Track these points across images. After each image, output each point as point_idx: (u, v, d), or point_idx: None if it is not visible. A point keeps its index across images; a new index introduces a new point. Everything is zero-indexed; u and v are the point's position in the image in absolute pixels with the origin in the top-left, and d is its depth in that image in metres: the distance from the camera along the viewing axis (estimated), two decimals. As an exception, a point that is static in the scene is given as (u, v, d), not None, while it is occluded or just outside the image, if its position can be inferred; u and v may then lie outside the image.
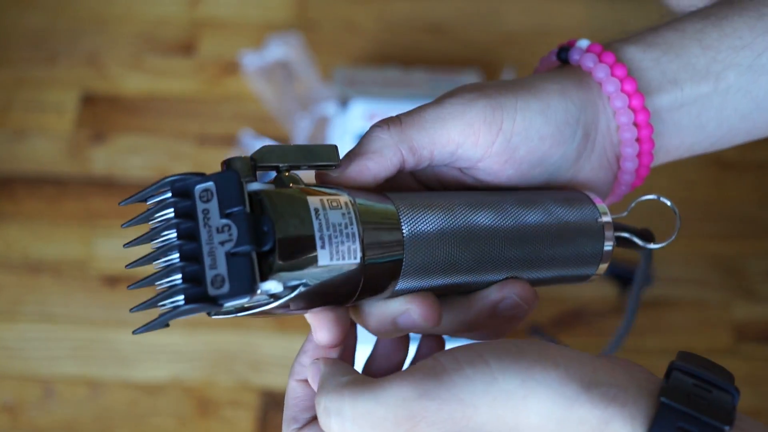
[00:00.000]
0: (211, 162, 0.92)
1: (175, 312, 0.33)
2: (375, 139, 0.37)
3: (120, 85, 0.98)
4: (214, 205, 0.32)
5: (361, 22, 1.03)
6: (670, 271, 0.87)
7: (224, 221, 0.32)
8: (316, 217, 0.33)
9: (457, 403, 0.31)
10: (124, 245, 0.35)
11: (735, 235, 0.89)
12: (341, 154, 0.37)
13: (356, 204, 0.35)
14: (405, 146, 0.37)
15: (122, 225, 0.36)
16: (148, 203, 0.35)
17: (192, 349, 0.83)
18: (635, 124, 0.40)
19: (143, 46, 1.01)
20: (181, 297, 0.33)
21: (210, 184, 0.33)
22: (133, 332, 0.35)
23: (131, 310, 0.35)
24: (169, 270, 0.34)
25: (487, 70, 0.97)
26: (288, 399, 0.38)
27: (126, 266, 0.36)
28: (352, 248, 0.34)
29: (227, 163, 0.34)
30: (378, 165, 0.37)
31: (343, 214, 0.34)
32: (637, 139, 0.41)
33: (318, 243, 0.33)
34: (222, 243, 0.32)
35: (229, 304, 0.32)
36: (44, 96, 0.97)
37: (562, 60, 0.41)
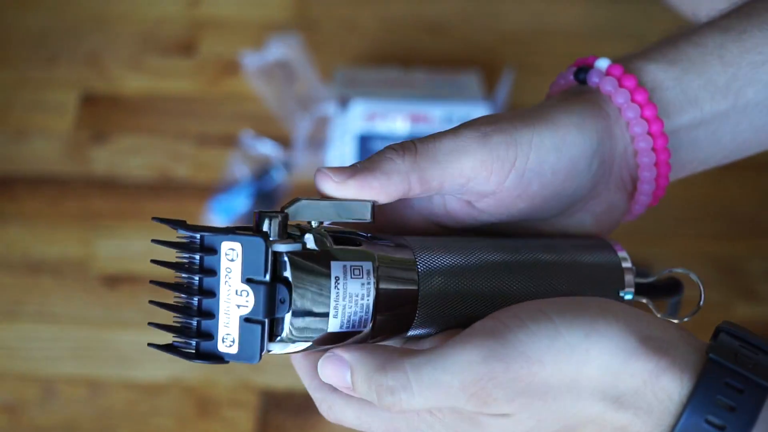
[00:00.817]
0: (212, 162, 0.93)
1: (185, 358, 0.35)
2: (386, 161, 0.36)
3: (120, 85, 0.98)
4: (237, 267, 0.34)
5: (361, 22, 1.03)
6: (670, 271, 0.87)
7: (244, 286, 0.33)
8: (335, 286, 0.34)
9: (524, 361, 0.31)
10: (152, 240, 0.36)
11: (735, 235, 0.89)
12: (348, 160, 0.37)
13: (378, 270, 0.35)
14: (415, 176, 0.36)
15: (152, 240, 0.36)
16: (179, 234, 0.36)
17: (192, 349, 0.83)
18: (654, 150, 0.40)
19: (143, 46, 1.01)
20: (193, 346, 0.35)
21: (237, 244, 0.34)
22: (148, 344, 0.37)
23: (149, 344, 0.36)
24: (186, 313, 0.36)
25: (487, 70, 0.97)
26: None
27: (151, 260, 0.36)
28: (364, 319, 0.35)
29: (259, 217, 0.34)
30: (382, 187, 0.36)
31: (362, 284, 0.35)
32: (656, 164, 0.40)
33: (332, 313, 0.34)
34: (238, 306, 0.33)
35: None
36: (45, 96, 0.97)
37: (580, 81, 0.41)
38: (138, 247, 0.88)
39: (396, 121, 0.82)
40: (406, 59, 0.98)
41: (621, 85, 0.39)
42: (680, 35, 0.41)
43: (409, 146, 0.37)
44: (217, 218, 0.88)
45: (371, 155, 0.37)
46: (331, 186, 0.36)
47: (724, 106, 0.41)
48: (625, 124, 0.40)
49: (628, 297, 0.43)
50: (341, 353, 0.34)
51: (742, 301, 0.85)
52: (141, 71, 0.99)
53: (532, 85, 0.97)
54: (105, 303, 0.85)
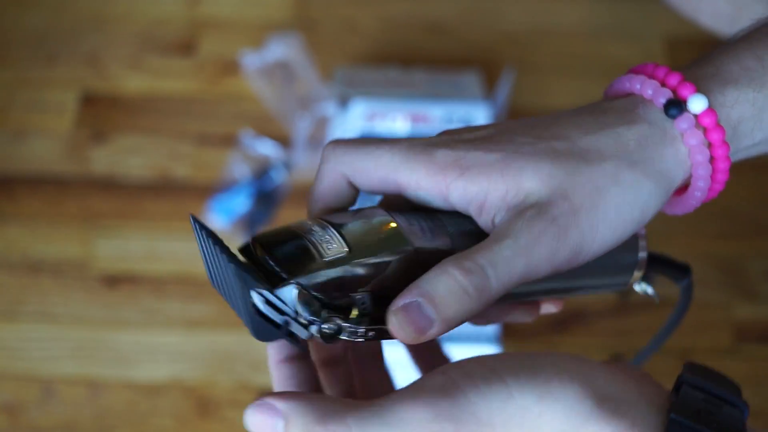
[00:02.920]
0: (212, 162, 0.93)
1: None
2: None
3: (120, 85, 0.98)
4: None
5: (361, 22, 1.03)
6: (670, 271, 0.87)
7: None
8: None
9: (475, 423, 0.29)
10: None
11: (735, 235, 0.89)
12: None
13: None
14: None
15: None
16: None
17: (192, 349, 0.83)
18: (711, 180, 0.38)
19: (143, 46, 1.01)
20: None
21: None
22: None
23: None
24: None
25: (487, 70, 0.97)
26: None
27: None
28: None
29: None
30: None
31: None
32: (711, 174, 0.38)
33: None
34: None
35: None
36: (44, 96, 0.97)
37: (670, 116, 0.36)
38: (138, 247, 0.88)
39: (396, 121, 0.82)
40: (406, 59, 0.98)
41: (707, 137, 0.36)
42: (763, 43, 0.38)
43: None
44: (217, 218, 0.88)
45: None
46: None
47: None
48: (689, 163, 0.37)
49: (642, 256, 0.42)
50: (274, 401, 0.30)
51: (742, 301, 0.85)
52: (141, 71, 0.99)
53: (532, 85, 0.97)
54: (105, 303, 0.85)
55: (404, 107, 0.83)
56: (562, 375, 0.30)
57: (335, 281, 0.33)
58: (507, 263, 0.32)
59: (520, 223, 0.33)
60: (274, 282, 0.33)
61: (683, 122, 0.36)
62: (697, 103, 0.36)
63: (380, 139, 0.37)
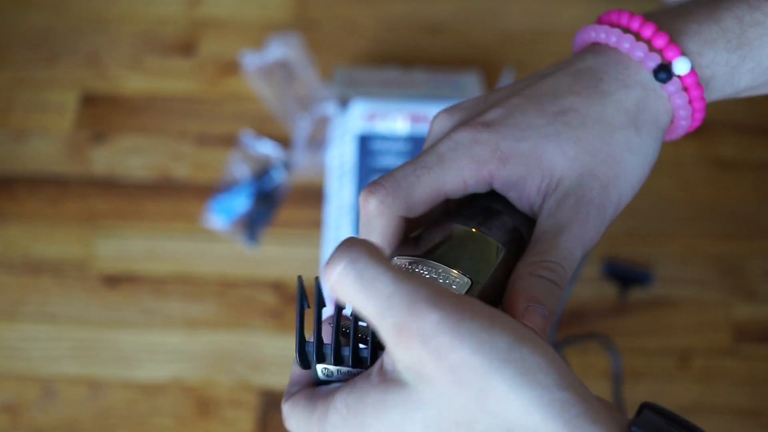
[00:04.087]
0: (212, 162, 0.93)
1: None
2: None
3: (120, 85, 0.98)
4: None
5: (361, 22, 1.03)
6: (670, 271, 0.87)
7: None
8: None
9: (458, 338, 0.30)
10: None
11: (735, 235, 0.89)
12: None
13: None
14: None
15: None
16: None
17: (192, 349, 0.83)
18: (691, 121, 0.42)
19: (143, 46, 1.01)
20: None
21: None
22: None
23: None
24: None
25: (487, 70, 0.98)
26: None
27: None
28: None
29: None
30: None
31: None
32: (689, 101, 0.42)
33: None
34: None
35: None
36: (44, 96, 0.97)
37: (660, 80, 0.40)
38: (138, 247, 0.88)
39: (396, 121, 0.82)
40: (406, 59, 0.98)
41: (689, 97, 0.41)
42: (745, 3, 0.41)
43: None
44: (217, 218, 0.88)
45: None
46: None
47: (760, 81, 0.42)
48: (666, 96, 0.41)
49: None
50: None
51: (742, 301, 0.85)
52: (141, 71, 0.99)
53: (532, 85, 0.97)
54: (105, 303, 0.85)
55: (404, 107, 0.83)
56: (537, 343, 0.31)
57: None
58: (571, 254, 0.38)
59: (567, 214, 0.38)
60: None
61: (671, 86, 0.40)
62: (681, 66, 0.40)
63: (406, 165, 0.39)
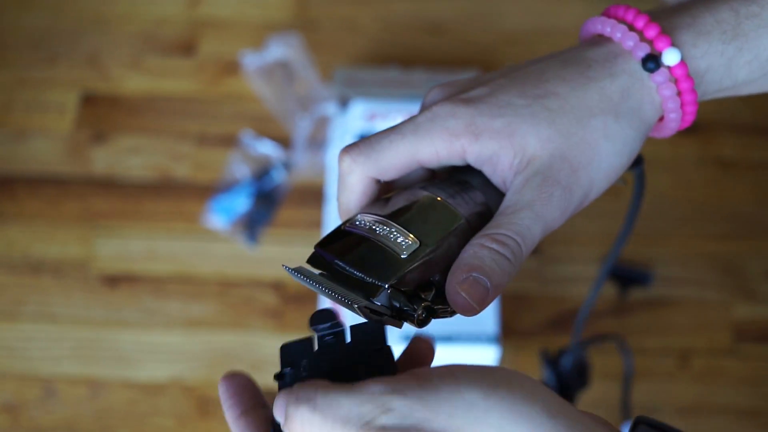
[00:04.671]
0: (212, 162, 0.93)
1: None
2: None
3: (120, 85, 0.98)
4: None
5: (361, 22, 1.03)
6: (670, 271, 0.87)
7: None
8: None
9: (421, 405, 0.31)
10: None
11: (735, 235, 0.89)
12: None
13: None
14: None
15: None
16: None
17: (192, 349, 0.83)
18: (681, 115, 0.42)
19: (143, 47, 1.01)
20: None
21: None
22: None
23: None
24: None
25: (487, 70, 0.98)
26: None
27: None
28: None
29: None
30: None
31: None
32: (681, 105, 0.41)
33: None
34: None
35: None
36: (45, 96, 0.97)
37: (648, 69, 0.40)
38: (138, 247, 0.88)
39: (396, 121, 0.82)
40: (406, 59, 0.98)
41: (678, 88, 0.40)
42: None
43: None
44: (217, 218, 0.88)
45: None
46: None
47: (758, 75, 0.41)
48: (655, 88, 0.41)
49: None
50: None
51: (742, 301, 0.85)
52: (141, 71, 0.99)
53: (532, 85, 0.97)
54: (105, 303, 0.85)
55: (404, 107, 0.83)
56: (512, 381, 0.32)
57: (418, 272, 0.36)
58: (529, 230, 0.38)
59: (532, 192, 0.38)
60: (368, 292, 0.36)
61: (659, 76, 0.40)
62: (670, 57, 0.40)
63: (384, 131, 0.40)
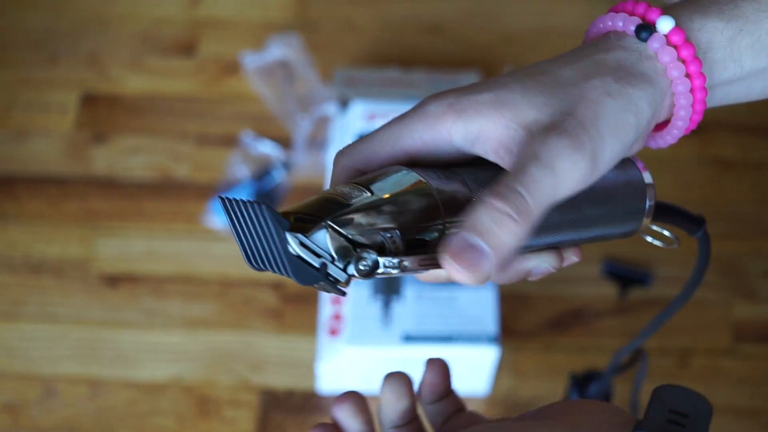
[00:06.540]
0: (212, 162, 0.93)
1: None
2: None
3: (120, 86, 0.98)
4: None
5: (361, 22, 1.03)
6: (669, 271, 0.87)
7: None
8: None
9: None
10: None
11: (735, 235, 0.89)
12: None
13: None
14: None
15: None
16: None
17: (192, 349, 0.83)
18: (692, 97, 0.40)
19: (144, 47, 1.01)
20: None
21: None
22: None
23: None
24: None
25: (487, 70, 0.98)
26: None
27: None
28: None
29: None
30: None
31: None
32: (692, 104, 0.40)
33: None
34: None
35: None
36: (45, 96, 0.97)
37: (642, 39, 0.38)
38: (138, 247, 0.88)
39: (396, 121, 0.82)
40: (406, 59, 0.98)
41: (679, 55, 0.38)
42: None
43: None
44: (217, 218, 0.88)
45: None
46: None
47: (764, 63, 0.40)
48: (669, 81, 0.39)
49: (650, 204, 0.44)
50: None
51: (742, 301, 0.85)
52: (141, 71, 0.99)
53: (532, 85, 0.97)
54: (105, 303, 0.85)
55: (404, 108, 0.83)
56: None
57: (363, 219, 0.34)
58: (536, 182, 0.33)
59: (536, 145, 0.34)
60: (307, 228, 0.34)
61: (655, 42, 0.38)
62: (664, 24, 0.38)
63: (377, 129, 0.39)
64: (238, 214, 0.36)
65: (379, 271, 0.34)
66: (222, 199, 0.36)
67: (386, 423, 0.37)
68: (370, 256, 0.34)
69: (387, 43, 1.01)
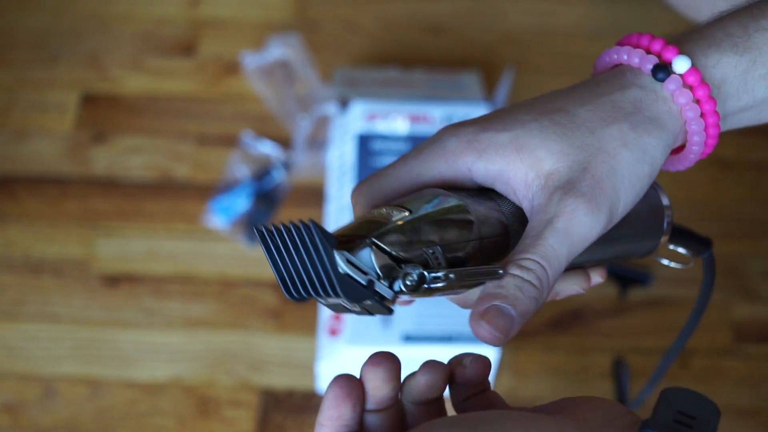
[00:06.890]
0: (212, 162, 0.93)
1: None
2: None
3: (120, 86, 0.98)
4: None
5: (361, 22, 1.03)
6: (670, 271, 0.87)
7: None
8: None
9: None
10: None
11: (735, 235, 0.89)
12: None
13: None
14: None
15: None
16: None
17: (192, 349, 0.83)
18: (705, 134, 0.40)
19: (144, 47, 1.01)
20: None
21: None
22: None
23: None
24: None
25: (487, 70, 0.98)
26: None
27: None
28: None
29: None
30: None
31: None
32: (704, 128, 0.40)
33: None
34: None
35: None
36: (45, 96, 0.97)
37: (658, 80, 0.39)
38: (138, 247, 0.88)
39: (396, 122, 0.82)
40: (406, 59, 0.98)
41: (694, 95, 0.38)
42: (749, 14, 0.40)
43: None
44: (217, 218, 0.88)
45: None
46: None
47: None
48: (683, 121, 0.39)
49: (667, 222, 0.46)
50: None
51: (742, 301, 0.85)
52: (141, 71, 0.99)
53: (531, 86, 0.97)
54: (105, 303, 0.85)
55: (404, 108, 0.83)
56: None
57: (404, 236, 0.35)
58: (554, 250, 0.36)
59: (553, 208, 0.36)
60: (351, 247, 0.34)
61: (671, 83, 0.38)
62: (680, 64, 0.38)
63: (392, 163, 0.39)
64: (277, 239, 0.35)
65: (425, 286, 0.35)
66: (258, 230, 0.35)
67: (408, 397, 0.37)
68: (416, 271, 0.35)
69: (387, 43, 1.01)
